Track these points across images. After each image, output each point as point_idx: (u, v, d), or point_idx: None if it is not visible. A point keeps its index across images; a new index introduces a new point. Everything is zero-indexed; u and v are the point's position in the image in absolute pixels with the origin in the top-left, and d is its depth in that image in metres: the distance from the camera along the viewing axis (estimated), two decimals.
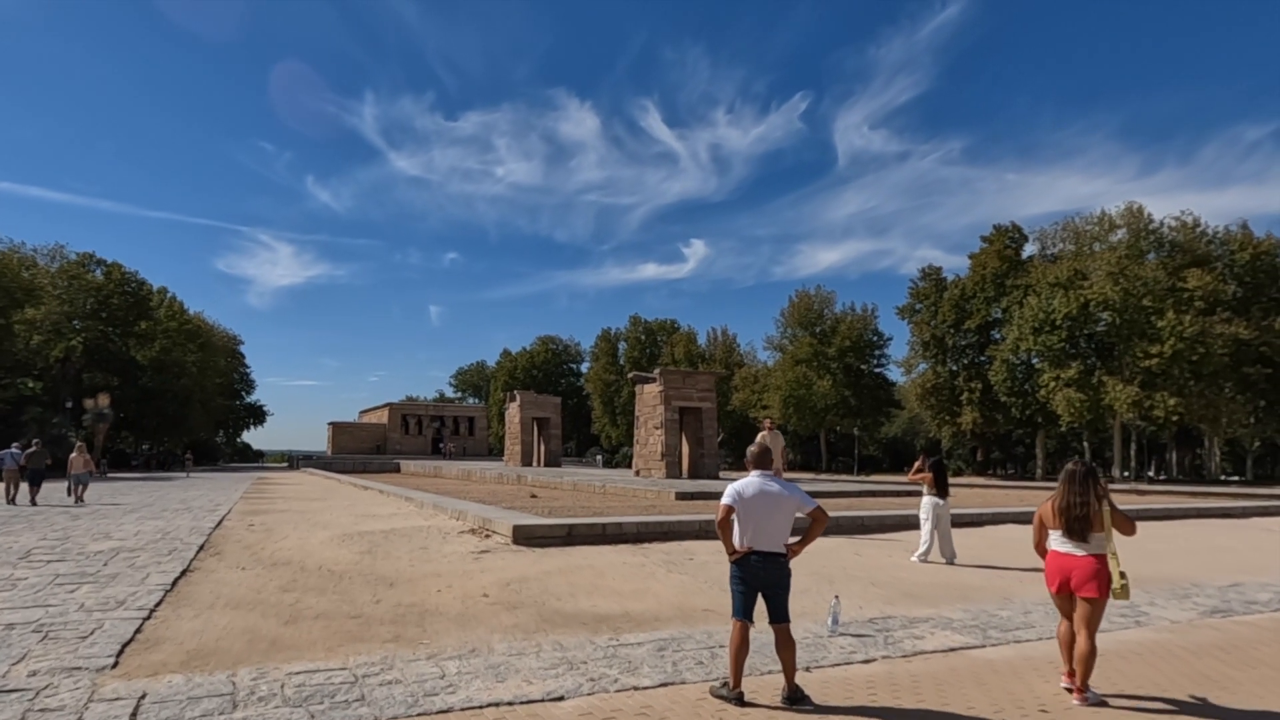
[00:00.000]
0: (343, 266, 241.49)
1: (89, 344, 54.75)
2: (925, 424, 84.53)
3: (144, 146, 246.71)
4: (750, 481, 4.92)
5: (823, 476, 47.19)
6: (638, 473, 34.78)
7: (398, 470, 55.51)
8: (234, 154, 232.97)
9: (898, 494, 26.52)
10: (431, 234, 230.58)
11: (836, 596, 6.40)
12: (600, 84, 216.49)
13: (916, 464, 12.22)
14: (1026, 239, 64.40)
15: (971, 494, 29.34)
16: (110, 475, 42.35)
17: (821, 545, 12.39)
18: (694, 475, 34.13)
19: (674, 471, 33.32)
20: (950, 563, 10.96)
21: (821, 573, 9.61)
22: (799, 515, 4.89)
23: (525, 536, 11.89)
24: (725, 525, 4.85)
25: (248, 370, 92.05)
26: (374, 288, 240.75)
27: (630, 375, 39.03)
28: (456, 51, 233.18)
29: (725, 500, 4.88)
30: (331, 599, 7.64)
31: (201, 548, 11.34)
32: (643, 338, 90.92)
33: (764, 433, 15.00)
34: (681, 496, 21.66)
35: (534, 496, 22.72)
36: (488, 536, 12.65)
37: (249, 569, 9.52)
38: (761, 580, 4.80)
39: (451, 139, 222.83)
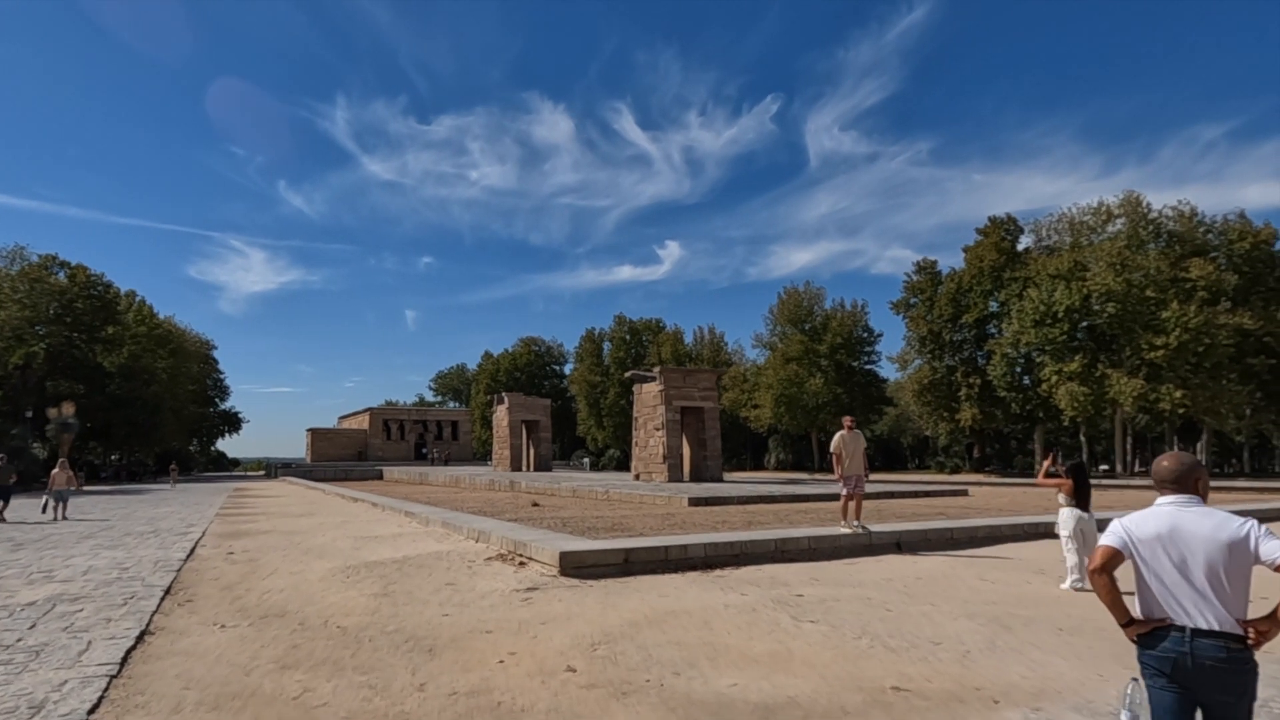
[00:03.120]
0: (316, 272, 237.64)
1: (52, 350, 51.66)
2: (914, 421, 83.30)
3: (112, 152, 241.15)
4: (1158, 513, 2.89)
5: (819, 476, 45.49)
6: (637, 476, 32.83)
7: (380, 477, 52.98)
8: (204, 159, 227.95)
9: (917, 495, 24.98)
10: (406, 238, 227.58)
11: (1136, 679, 4.23)
12: (573, 87, 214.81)
13: (1046, 464, 10.11)
14: (1022, 231, 63.28)
15: (992, 494, 27.64)
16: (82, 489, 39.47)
17: (926, 568, 10.25)
18: (696, 478, 32.24)
19: (676, 475, 31.42)
20: None
21: (980, 613, 7.43)
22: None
23: (575, 566, 9.66)
24: (1104, 577, 2.92)
25: (221, 376, 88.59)
26: (349, 293, 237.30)
27: (628, 374, 36.97)
28: (429, 55, 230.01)
29: (1107, 539, 2.94)
30: (354, 683, 5.34)
31: (168, 591, 8.91)
32: (628, 337, 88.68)
33: (843, 432, 12.91)
34: (695, 502, 20.06)
35: (535, 505, 20.86)
36: (523, 565, 10.38)
37: (230, 626, 7.16)
38: (1196, 681, 2.80)
39: (425, 143, 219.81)
